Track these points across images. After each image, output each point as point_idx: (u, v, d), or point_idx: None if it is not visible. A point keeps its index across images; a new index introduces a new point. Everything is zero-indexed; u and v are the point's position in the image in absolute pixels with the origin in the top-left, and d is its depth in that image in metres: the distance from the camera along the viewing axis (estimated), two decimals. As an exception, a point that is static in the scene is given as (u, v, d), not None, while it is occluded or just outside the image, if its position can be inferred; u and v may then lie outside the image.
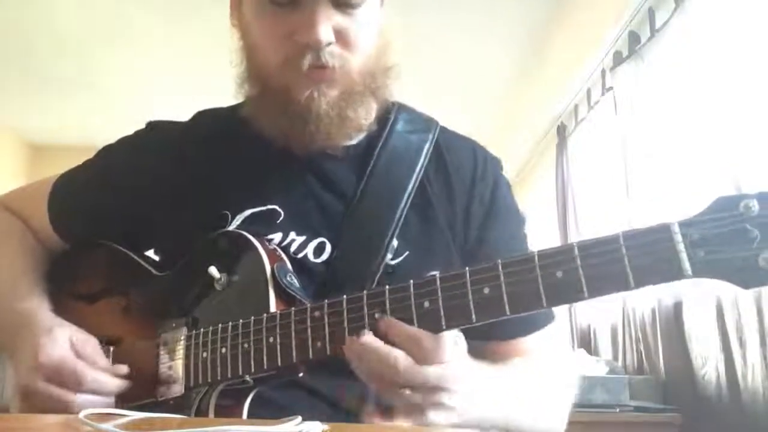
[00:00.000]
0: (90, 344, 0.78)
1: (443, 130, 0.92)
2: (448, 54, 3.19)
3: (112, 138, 0.99)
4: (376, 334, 0.64)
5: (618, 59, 2.85)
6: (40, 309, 0.83)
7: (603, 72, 3.07)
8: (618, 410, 2.20)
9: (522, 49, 3.42)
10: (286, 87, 0.79)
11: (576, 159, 3.59)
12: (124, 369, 0.78)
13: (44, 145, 4.93)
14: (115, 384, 0.76)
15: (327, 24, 0.75)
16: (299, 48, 0.76)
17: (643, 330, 2.58)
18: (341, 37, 0.77)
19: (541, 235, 3.83)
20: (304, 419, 0.56)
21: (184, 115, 0.97)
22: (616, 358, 2.86)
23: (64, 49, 3.55)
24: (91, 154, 0.99)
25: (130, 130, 0.98)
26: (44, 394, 0.73)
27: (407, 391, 0.62)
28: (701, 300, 2.13)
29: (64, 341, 0.76)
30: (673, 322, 2.34)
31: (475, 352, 0.85)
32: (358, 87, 0.81)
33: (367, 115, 0.84)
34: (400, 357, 0.62)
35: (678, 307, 2.29)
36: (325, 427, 0.55)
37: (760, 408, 1.82)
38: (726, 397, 1.99)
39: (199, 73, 3.81)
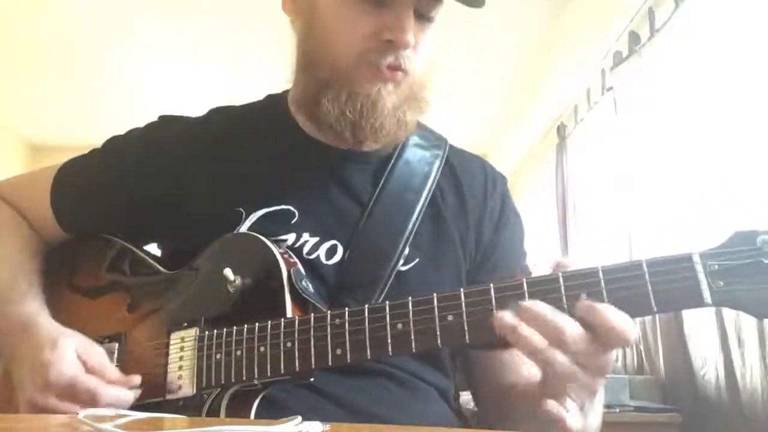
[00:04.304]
0: (97, 355, 0.77)
1: (452, 147, 0.96)
2: (449, 54, 3.19)
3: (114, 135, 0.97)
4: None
5: (618, 59, 2.86)
6: (39, 314, 0.81)
7: (603, 72, 3.07)
8: (618, 410, 2.20)
9: (522, 49, 3.42)
10: (353, 79, 0.80)
11: (576, 159, 3.59)
12: (137, 380, 0.77)
13: (44, 145, 4.93)
14: (130, 395, 0.75)
15: (412, 30, 0.78)
16: (382, 46, 0.79)
17: (643, 330, 2.59)
18: (414, 45, 0.80)
19: (541, 235, 3.83)
20: (312, 420, 0.56)
21: (184, 114, 0.96)
22: (616, 358, 2.86)
23: (65, 50, 3.55)
24: (90, 155, 0.98)
25: (141, 125, 0.96)
26: (58, 413, 0.72)
27: (580, 372, 0.60)
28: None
29: (71, 355, 0.75)
30: (673, 322, 2.34)
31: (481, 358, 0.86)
32: (415, 94, 0.83)
33: (415, 121, 0.86)
34: (587, 337, 0.59)
35: (678, 307, 2.29)
36: (326, 426, 0.55)
37: (759, 407, 1.83)
38: (725, 397, 1.99)
39: (199, 74, 3.82)
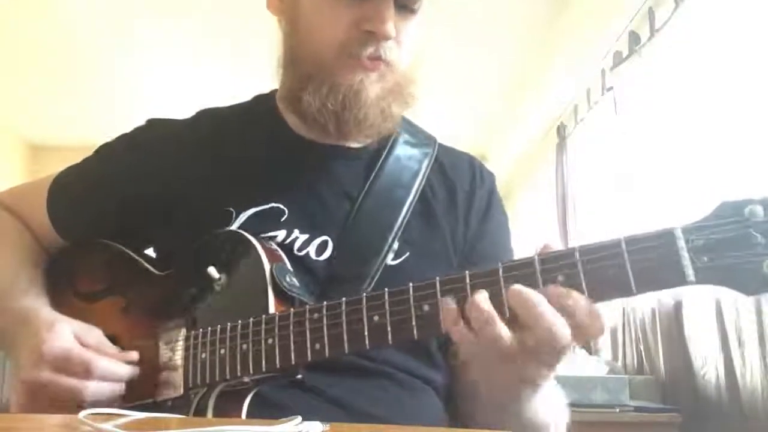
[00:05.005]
0: (93, 334, 0.78)
1: (441, 145, 0.96)
2: (449, 53, 3.19)
3: (111, 138, 0.98)
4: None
5: (618, 59, 2.86)
6: (39, 307, 0.82)
7: (603, 72, 3.07)
8: (618, 410, 2.20)
9: (522, 48, 3.42)
10: (334, 71, 0.81)
11: (576, 159, 3.59)
12: (134, 355, 0.77)
13: (44, 145, 4.92)
14: (126, 369, 0.76)
15: (392, 20, 0.78)
16: (362, 37, 0.79)
17: (643, 330, 2.58)
18: (396, 36, 0.80)
19: (541, 235, 3.83)
20: (303, 419, 0.56)
21: (183, 115, 0.96)
22: (616, 358, 2.85)
23: (65, 50, 3.55)
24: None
25: (130, 130, 0.97)
26: (53, 385, 0.72)
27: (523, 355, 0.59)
28: (701, 300, 2.13)
29: (68, 333, 0.75)
30: (673, 322, 2.34)
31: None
32: (399, 86, 0.83)
33: (401, 114, 0.86)
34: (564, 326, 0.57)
35: (678, 307, 2.29)
36: (326, 427, 0.55)
37: (759, 407, 1.83)
38: (725, 396, 1.99)
39: (198, 74, 3.82)
